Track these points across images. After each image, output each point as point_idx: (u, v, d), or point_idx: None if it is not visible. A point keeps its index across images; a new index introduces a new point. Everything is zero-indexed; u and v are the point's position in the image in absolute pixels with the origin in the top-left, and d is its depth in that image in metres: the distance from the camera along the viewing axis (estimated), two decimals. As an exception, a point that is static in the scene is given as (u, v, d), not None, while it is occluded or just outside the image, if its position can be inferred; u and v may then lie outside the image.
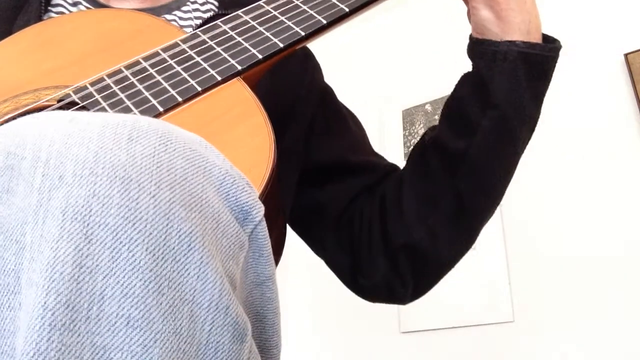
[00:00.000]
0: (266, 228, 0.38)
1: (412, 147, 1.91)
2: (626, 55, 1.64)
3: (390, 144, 1.94)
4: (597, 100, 1.66)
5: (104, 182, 0.30)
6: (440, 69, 1.93)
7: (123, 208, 0.30)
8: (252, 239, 0.37)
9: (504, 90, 0.60)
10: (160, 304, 0.30)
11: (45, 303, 0.28)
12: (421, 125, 1.93)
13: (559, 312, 1.51)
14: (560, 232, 1.58)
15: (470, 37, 0.64)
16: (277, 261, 0.55)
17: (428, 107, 1.95)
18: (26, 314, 0.28)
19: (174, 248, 0.31)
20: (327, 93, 0.80)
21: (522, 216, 1.66)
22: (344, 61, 2.14)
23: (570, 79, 1.69)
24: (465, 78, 0.65)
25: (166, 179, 0.32)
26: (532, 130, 0.65)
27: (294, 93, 0.72)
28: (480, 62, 0.62)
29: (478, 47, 0.62)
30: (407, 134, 1.96)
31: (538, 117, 0.64)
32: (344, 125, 0.78)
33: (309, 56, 0.78)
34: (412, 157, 0.70)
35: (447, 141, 0.64)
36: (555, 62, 0.62)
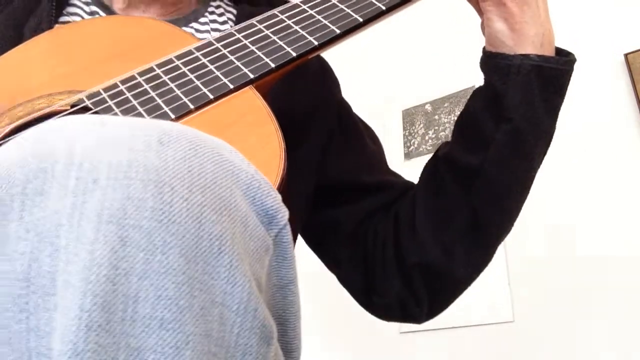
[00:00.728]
0: (290, 232, 0.38)
1: (412, 147, 1.93)
2: (626, 55, 1.65)
3: (390, 144, 1.93)
4: (597, 100, 1.66)
5: (138, 185, 0.30)
6: (440, 69, 1.93)
7: (157, 211, 0.30)
8: (276, 242, 0.37)
9: (517, 104, 0.59)
10: (192, 306, 0.30)
11: (82, 304, 0.28)
12: (421, 125, 1.92)
13: (559, 312, 1.51)
14: (560, 232, 1.59)
15: (484, 50, 0.64)
16: None
17: (428, 107, 1.95)
18: (62, 315, 0.28)
19: (205, 251, 0.31)
20: (344, 108, 0.79)
21: (521, 216, 1.66)
22: (344, 61, 2.13)
23: (571, 79, 1.68)
24: (478, 92, 0.64)
25: (197, 182, 0.32)
26: (548, 144, 0.64)
27: (309, 105, 0.72)
28: (494, 76, 0.61)
29: (491, 61, 0.62)
30: (407, 134, 1.96)
31: (553, 132, 0.63)
32: (360, 142, 0.78)
33: (326, 70, 0.78)
34: (424, 174, 0.69)
35: (460, 156, 0.63)
36: (570, 75, 0.62)
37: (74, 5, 0.71)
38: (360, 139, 0.78)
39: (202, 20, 0.74)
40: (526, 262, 1.62)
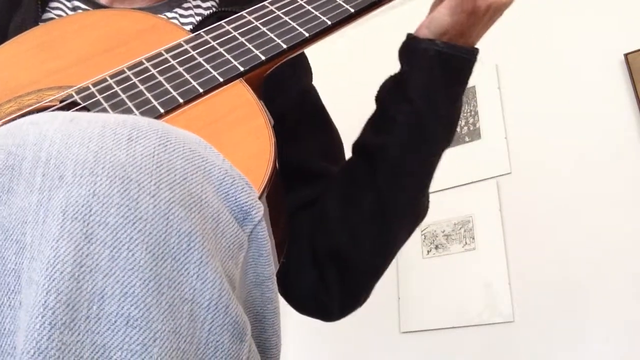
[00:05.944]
0: (266, 228, 0.38)
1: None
2: (626, 55, 1.64)
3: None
4: (597, 100, 1.66)
5: (104, 181, 0.30)
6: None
7: (123, 207, 0.30)
8: (251, 238, 0.37)
9: (419, 86, 0.61)
10: (160, 303, 0.30)
11: (45, 302, 0.28)
12: (421, 125, 1.93)
13: (559, 312, 1.51)
14: (560, 232, 1.58)
15: (408, 34, 0.64)
16: (280, 261, 0.55)
17: (428, 107, 1.95)
18: (26, 313, 0.28)
19: (173, 247, 0.31)
20: (310, 94, 0.77)
21: (522, 216, 1.66)
22: (343, 61, 2.14)
23: (571, 79, 1.68)
24: (392, 74, 0.65)
25: (166, 178, 0.32)
26: (450, 132, 0.64)
27: (285, 94, 0.70)
28: (403, 58, 0.63)
29: (405, 43, 0.63)
30: (407, 134, 1.96)
31: (454, 119, 0.64)
32: (317, 129, 0.75)
33: (298, 57, 0.76)
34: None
35: (367, 138, 0.65)
36: (472, 65, 0.62)
37: (57, 0, 0.71)
38: (319, 125, 0.75)
39: (185, 5, 0.73)
40: (526, 262, 1.61)
